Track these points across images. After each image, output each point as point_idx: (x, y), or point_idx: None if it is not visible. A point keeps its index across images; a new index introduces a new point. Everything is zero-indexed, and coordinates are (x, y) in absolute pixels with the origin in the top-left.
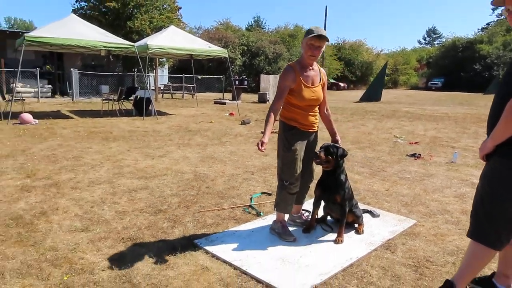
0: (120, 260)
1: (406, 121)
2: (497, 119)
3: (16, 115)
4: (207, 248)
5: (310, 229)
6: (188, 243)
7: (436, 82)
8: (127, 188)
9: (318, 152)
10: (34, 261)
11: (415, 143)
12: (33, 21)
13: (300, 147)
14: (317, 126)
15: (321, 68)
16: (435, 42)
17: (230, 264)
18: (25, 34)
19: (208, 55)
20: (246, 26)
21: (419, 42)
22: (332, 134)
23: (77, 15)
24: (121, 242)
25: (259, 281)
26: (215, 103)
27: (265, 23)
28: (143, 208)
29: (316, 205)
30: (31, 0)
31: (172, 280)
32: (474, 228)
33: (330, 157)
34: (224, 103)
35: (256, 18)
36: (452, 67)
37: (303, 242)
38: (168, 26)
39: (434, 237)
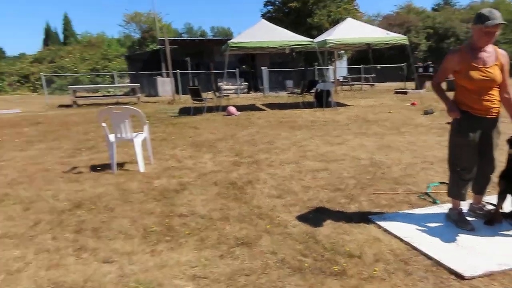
0: (306, 222)
1: None
2: None
3: (223, 108)
4: (379, 223)
5: (494, 222)
6: (362, 218)
7: None
8: (311, 169)
9: None
10: (246, 213)
11: None
12: (230, 28)
13: (473, 132)
14: (497, 112)
15: (499, 49)
16: None
17: (401, 240)
18: (228, 41)
19: (387, 43)
20: (433, 6)
21: None
22: None
23: (265, 18)
24: (307, 209)
25: (429, 257)
26: (396, 93)
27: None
28: (324, 186)
29: (501, 198)
30: (230, 10)
31: (348, 243)
32: None
33: None
34: (405, 93)
35: None
36: None
37: (483, 232)
38: (345, 18)
39: None
